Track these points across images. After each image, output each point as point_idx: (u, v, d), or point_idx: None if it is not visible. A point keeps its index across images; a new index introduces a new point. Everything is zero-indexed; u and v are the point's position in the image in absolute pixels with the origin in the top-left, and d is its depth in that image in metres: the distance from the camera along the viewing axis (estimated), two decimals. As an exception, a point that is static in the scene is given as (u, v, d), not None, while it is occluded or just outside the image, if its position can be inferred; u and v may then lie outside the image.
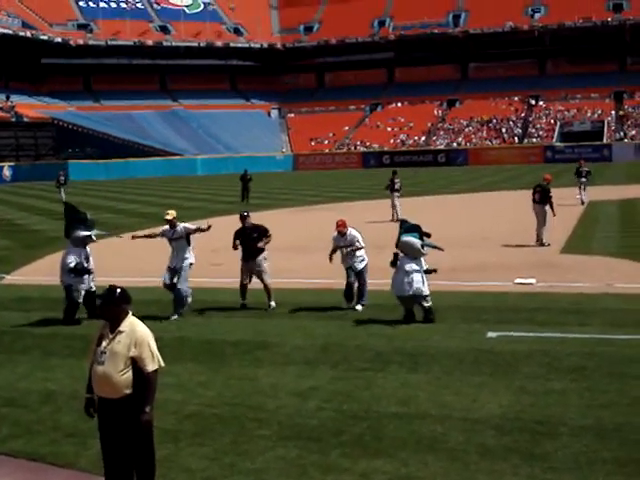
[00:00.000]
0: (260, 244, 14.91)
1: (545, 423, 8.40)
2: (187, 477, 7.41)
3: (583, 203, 34.28)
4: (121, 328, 6.43)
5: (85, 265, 14.45)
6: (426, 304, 13.28)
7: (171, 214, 14.79)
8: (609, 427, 8.26)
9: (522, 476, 7.16)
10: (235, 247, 15.22)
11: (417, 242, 13.42)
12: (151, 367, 6.43)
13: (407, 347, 11.73)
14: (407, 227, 13.80)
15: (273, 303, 14.98)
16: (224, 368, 11.02)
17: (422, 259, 13.48)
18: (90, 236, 14.76)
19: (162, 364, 6.59)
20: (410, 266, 13.19)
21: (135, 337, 6.42)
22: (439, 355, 11.23)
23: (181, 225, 14.86)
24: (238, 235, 15.24)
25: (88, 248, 14.79)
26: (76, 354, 11.83)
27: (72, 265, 14.26)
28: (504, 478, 7.13)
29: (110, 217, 34.63)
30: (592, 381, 9.78)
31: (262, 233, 15.11)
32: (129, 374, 6.35)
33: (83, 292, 14.46)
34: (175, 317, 14.42)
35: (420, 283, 13.14)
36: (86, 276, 14.47)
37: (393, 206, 31.19)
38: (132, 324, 6.49)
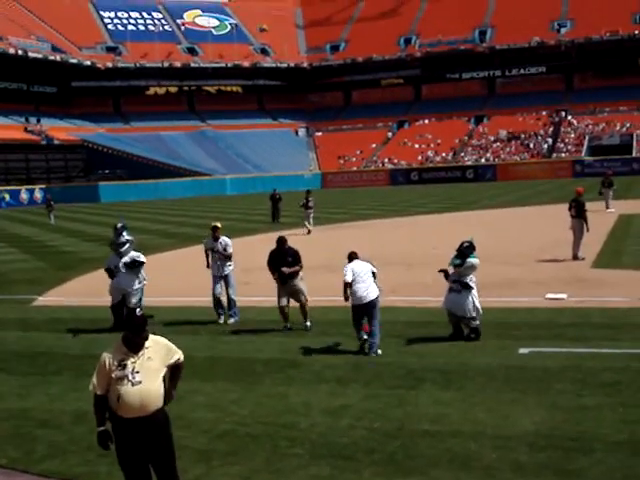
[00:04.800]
0: (286, 269, 14.52)
1: (579, 439, 8.35)
2: (220, 496, 7.43)
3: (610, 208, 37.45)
4: (146, 345, 6.54)
5: (110, 267, 15.96)
6: (474, 323, 13.23)
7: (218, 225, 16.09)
8: (644, 443, 8.18)
9: (556, 493, 7.12)
10: (274, 273, 14.90)
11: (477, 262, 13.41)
12: (181, 356, 6.79)
13: (438, 364, 11.70)
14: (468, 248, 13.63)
15: (309, 323, 14.87)
16: (256, 386, 11.04)
17: (472, 276, 13.43)
18: (115, 242, 16.05)
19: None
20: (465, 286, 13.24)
21: (163, 345, 6.67)
22: (471, 372, 11.19)
23: (223, 240, 15.93)
24: (273, 259, 14.92)
25: (125, 262, 15.67)
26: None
27: (104, 268, 16.21)
28: (538, 495, 7.09)
29: (143, 238, 34.77)
30: (626, 396, 9.71)
31: (296, 257, 14.82)
32: (162, 386, 6.54)
33: (115, 298, 15.64)
34: (234, 320, 15.68)
35: (471, 303, 13.13)
36: (117, 282, 15.59)
37: (306, 220, 35.17)
38: (150, 338, 6.62)
